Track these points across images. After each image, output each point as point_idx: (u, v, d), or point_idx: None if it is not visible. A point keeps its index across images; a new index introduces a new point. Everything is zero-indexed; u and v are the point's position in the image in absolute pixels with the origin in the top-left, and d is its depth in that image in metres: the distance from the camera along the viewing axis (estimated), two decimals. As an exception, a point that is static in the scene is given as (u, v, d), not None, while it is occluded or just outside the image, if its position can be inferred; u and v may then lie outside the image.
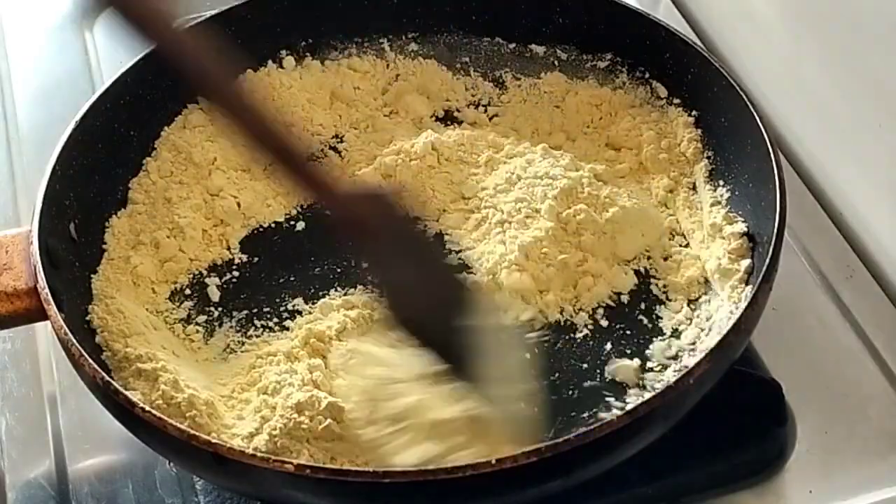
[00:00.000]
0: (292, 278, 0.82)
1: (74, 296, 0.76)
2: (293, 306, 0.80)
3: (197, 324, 0.79)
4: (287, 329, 0.78)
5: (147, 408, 0.66)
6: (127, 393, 0.67)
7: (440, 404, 0.67)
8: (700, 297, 0.78)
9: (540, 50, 0.94)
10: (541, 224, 0.80)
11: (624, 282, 0.80)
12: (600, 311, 0.78)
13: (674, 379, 0.67)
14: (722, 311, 0.76)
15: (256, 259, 0.84)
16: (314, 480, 0.62)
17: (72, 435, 0.79)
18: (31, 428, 0.80)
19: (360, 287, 0.79)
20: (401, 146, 0.87)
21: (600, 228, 0.80)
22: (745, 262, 0.77)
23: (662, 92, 0.89)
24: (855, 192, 0.90)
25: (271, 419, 0.69)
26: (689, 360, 0.74)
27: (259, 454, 0.64)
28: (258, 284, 0.82)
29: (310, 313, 0.79)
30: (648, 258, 0.81)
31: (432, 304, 0.70)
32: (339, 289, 0.80)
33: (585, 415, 0.73)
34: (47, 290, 0.71)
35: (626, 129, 0.89)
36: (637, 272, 0.80)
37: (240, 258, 0.84)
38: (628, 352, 0.76)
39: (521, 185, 0.83)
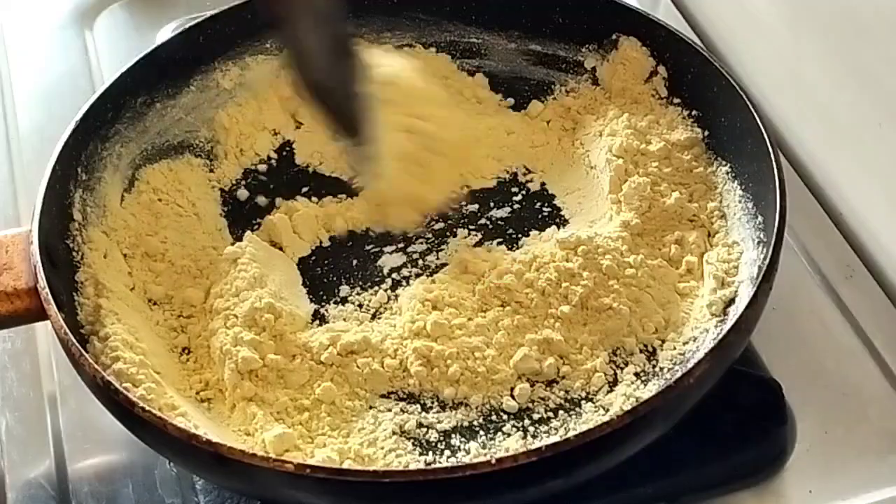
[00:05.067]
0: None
1: (74, 296, 0.76)
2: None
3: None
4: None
5: (147, 408, 0.66)
6: (127, 393, 0.67)
7: None
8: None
9: (539, 49, 0.94)
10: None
11: None
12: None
13: (674, 379, 0.67)
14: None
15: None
16: (314, 480, 0.62)
17: (72, 435, 0.79)
18: (31, 428, 0.80)
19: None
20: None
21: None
22: (745, 262, 0.77)
23: (662, 91, 0.89)
24: (855, 192, 0.90)
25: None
26: (689, 360, 0.74)
27: (259, 454, 0.64)
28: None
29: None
30: None
31: (335, 72, 0.73)
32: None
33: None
34: (47, 290, 0.71)
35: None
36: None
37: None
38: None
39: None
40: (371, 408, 0.74)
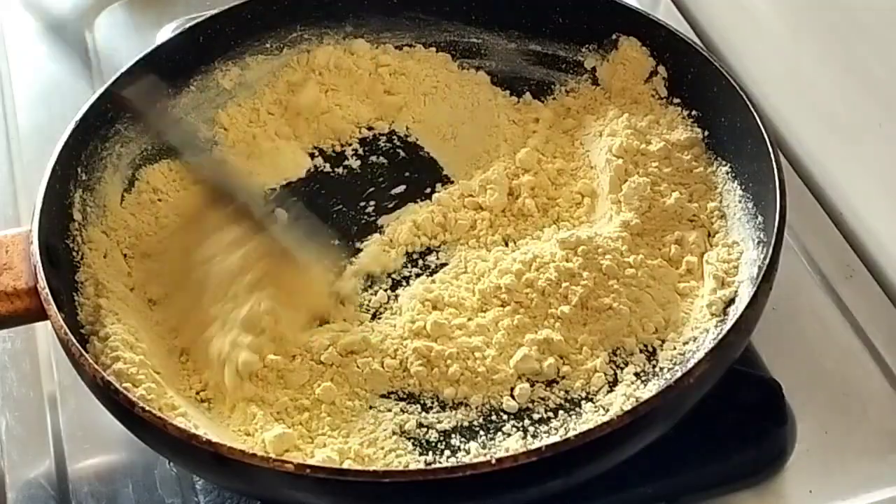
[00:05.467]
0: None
1: (74, 296, 0.76)
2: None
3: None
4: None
5: (147, 408, 0.66)
6: (127, 393, 0.67)
7: None
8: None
9: (539, 49, 0.94)
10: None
11: None
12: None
13: (674, 379, 0.67)
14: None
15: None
16: (314, 480, 0.62)
17: (72, 435, 0.80)
18: (31, 428, 0.80)
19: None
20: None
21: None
22: (745, 262, 0.77)
23: (662, 91, 0.89)
24: (855, 192, 0.90)
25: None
26: (689, 361, 0.74)
27: (259, 454, 0.64)
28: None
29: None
30: None
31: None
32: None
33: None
34: (47, 290, 0.71)
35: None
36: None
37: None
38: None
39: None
40: (371, 408, 0.74)
